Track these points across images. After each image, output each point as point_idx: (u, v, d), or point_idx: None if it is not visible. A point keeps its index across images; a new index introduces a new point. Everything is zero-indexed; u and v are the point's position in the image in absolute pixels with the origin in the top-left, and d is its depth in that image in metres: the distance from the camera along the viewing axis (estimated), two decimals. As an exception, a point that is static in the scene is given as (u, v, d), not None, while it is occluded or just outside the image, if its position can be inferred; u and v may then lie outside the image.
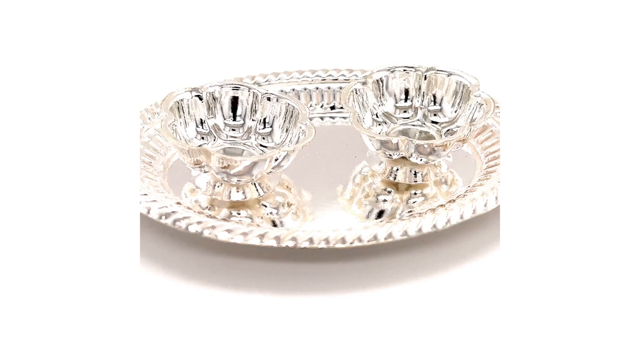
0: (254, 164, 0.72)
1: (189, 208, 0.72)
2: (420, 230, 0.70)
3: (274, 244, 0.68)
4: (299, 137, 0.75)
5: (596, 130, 0.64)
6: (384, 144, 0.75)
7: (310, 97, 0.85)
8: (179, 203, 0.73)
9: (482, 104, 0.77)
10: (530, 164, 0.63)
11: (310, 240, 0.69)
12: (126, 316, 0.62)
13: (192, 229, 0.69)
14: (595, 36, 0.65)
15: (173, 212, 0.71)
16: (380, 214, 0.74)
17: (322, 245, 0.69)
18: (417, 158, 0.75)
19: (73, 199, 0.63)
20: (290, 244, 0.69)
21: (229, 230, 0.69)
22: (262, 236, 0.69)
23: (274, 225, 0.73)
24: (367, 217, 0.74)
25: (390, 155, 0.75)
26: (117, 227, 0.63)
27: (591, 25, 0.66)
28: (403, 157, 0.75)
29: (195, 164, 0.74)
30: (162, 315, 0.67)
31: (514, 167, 0.63)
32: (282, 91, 0.83)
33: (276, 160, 0.73)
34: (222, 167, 0.72)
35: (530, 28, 0.66)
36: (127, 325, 0.62)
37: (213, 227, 0.69)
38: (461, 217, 0.71)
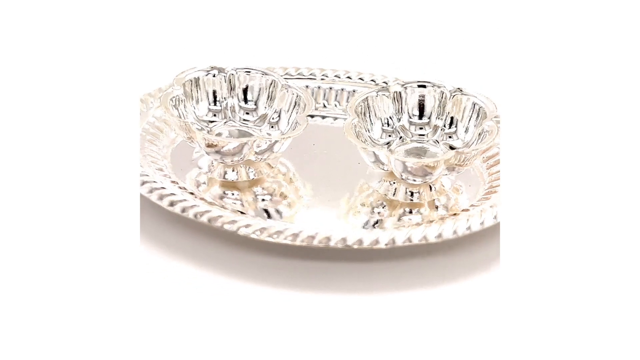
0: (242, 145, 0.72)
1: (192, 193, 0.72)
2: (409, 239, 0.69)
3: (248, 233, 0.68)
4: (295, 127, 0.75)
5: (597, 144, 0.63)
6: (376, 157, 0.74)
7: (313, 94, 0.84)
8: (183, 188, 0.73)
9: (487, 131, 0.75)
10: (530, 180, 0.63)
11: (294, 236, 0.68)
12: (126, 301, 0.62)
13: (188, 213, 0.70)
14: (595, 53, 0.65)
15: (171, 193, 0.71)
16: (373, 225, 0.72)
17: (304, 243, 0.68)
18: (407, 178, 0.73)
19: (71, 181, 0.63)
20: (266, 238, 0.68)
21: (218, 216, 0.69)
22: (247, 226, 0.69)
23: (267, 214, 0.72)
24: (357, 225, 0.72)
25: (383, 168, 0.74)
26: (117, 208, 0.62)
27: (591, 43, 0.65)
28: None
29: (189, 139, 0.74)
30: (161, 300, 0.68)
31: (514, 184, 0.63)
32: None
33: (267, 143, 0.73)
34: (207, 146, 0.72)
35: (533, 42, 0.65)
36: (126, 310, 0.62)
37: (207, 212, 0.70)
38: (454, 232, 0.69)
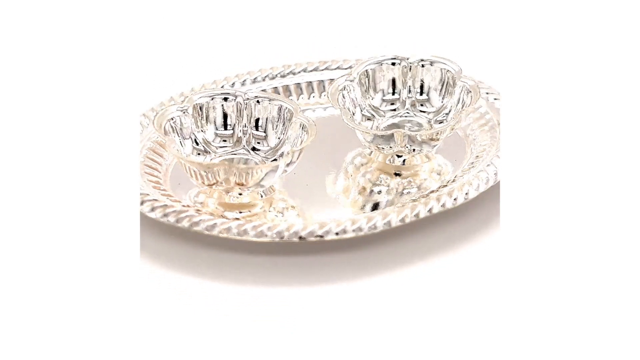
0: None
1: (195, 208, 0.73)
2: (417, 215, 0.71)
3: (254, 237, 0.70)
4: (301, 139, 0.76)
5: (595, 125, 0.64)
6: (377, 138, 0.76)
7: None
8: (185, 204, 0.74)
9: (469, 91, 0.78)
10: (528, 154, 0.64)
11: (296, 233, 0.70)
12: (126, 311, 0.63)
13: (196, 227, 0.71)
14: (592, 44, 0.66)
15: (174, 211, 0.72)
16: (375, 206, 0.75)
17: (313, 238, 0.70)
18: (410, 149, 0.76)
19: (73, 195, 0.64)
20: (275, 237, 0.70)
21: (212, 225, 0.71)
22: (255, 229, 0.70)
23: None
24: (362, 209, 0.75)
25: (383, 149, 0.77)
26: (117, 224, 0.63)
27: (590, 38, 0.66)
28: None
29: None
30: (160, 309, 0.68)
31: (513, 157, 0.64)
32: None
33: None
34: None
35: (531, 29, 0.66)
36: (126, 318, 0.63)
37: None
38: (455, 201, 0.72)
